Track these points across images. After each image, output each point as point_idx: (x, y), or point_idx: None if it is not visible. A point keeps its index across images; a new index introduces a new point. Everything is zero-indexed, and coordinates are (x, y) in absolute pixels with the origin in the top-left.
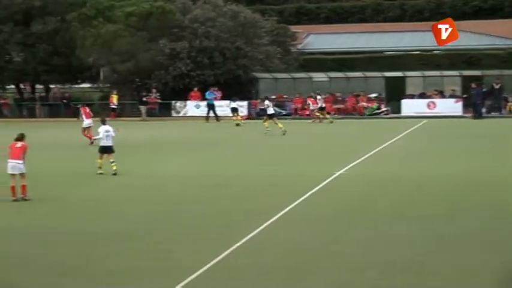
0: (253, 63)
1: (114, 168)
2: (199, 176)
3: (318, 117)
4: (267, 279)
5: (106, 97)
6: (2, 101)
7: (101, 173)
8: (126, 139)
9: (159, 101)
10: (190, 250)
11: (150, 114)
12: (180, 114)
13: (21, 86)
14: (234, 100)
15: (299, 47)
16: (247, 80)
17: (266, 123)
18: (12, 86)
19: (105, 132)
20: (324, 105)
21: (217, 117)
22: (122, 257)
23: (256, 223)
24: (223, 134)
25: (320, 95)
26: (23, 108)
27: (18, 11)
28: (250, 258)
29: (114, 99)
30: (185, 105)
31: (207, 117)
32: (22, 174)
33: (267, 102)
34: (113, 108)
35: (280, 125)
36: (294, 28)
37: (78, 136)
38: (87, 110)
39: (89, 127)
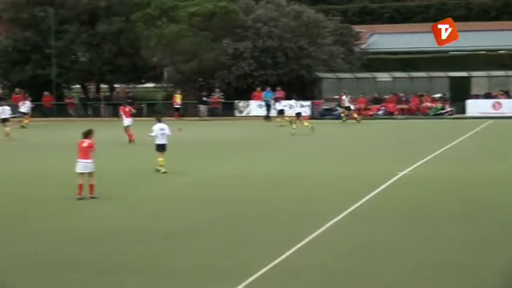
0: (316, 63)
1: (162, 168)
2: (261, 175)
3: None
4: (330, 279)
5: (169, 97)
6: (68, 101)
7: (164, 172)
8: (187, 139)
9: (222, 100)
10: (253, 250)
11: (213, 113)
12: (243, 114)
13: (87, 85)
14: (279, 101)
15: (362, 46)
16: (310, 80)
17: (306, 123)
18: (78, 86)
19: (160, 130)
20: (350, 105)
21: (267, 117)
22: (185, 256)
23: (319, 223)
24: (282, 133)
25: (346, 95)
26: (88, 108)
27: (83, 11)
28: (313, 258)
29: (178, 99)
30: (248, 105)
31: (267, 117)
32: (90, 173)
33: (291, 102)
34: (177, 108)
35: (294, 126)
36: (357, 28)
37: (140, 135)
38: (127, 109)
39: (128, 126)
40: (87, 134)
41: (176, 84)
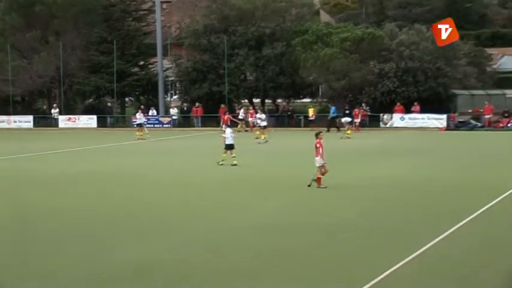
0: (452, 82)
1: (235, 162)
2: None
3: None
4: None
5: (323, 110)
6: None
7: (235, 164)
8: (339, 147)
9: (369, 113)
10: (394, 243)
11: (363, 125)
12: (387, 126)
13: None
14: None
15: (494, 66)
16: (446, 96)
17: (262, 135)
18: (245, 101)
19: (230, 134)
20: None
21: (338, 128)
22: (332, 249)
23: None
24: (423, 143)
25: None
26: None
27: (251, 37)
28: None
29: (310, 111)
30: (391, 118)
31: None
32: (318, 168)
33: (261, 115)
34: (311, 120)
35: (263, 136)
36: (489, 50)
37: (305, 142)
38: (226, 117)
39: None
40: (316, 136)
41: (329, 99)
